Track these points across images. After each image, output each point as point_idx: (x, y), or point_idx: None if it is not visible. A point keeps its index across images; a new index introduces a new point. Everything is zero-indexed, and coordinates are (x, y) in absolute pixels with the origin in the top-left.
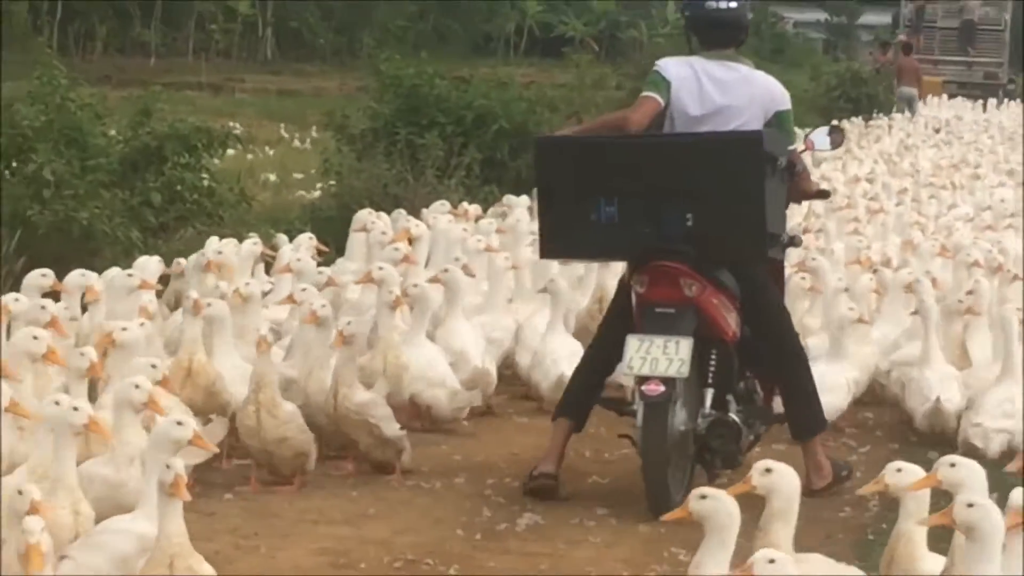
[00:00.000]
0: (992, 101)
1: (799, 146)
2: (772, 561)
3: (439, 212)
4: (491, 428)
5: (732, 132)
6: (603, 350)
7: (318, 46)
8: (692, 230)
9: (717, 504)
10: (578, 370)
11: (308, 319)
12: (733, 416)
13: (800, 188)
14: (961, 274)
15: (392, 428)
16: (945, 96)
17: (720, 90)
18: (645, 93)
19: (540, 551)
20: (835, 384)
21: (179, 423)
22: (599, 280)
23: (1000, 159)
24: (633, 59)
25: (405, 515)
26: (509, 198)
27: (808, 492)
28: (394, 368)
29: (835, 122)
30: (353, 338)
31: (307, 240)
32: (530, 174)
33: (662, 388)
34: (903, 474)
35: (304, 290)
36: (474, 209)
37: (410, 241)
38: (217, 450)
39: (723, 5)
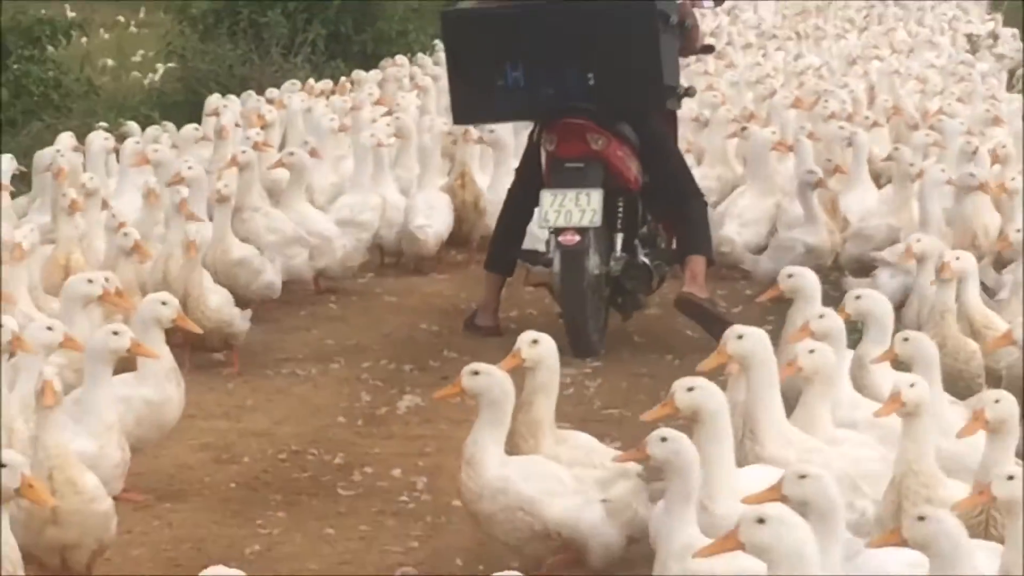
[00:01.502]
0: None
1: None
2: (664, 439)
3: (290, 92)
4: (360, 309)
5: None
6: (518, 202)
7: None
8: (594, 88)
9: (491, 380)
10: (499, 224)
11: (183, 212)
12: (643, 258)
13: (689, 44)
14: (821, 127)
15: (241, 324)
16: None
17: None
18: None
19: (423, 433)
20: (785, 246)
21: (116, 332)
22: (460, 156)
23: (840, 5)
24: None
25: (284, 405)
26: (358, 73)
27: (678, 298)
28: (223, 265)
29: None
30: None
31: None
32: (375, 47)
33: (578, 237)
34: (744, 340)
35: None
36: (323, 86)
37: (263, 125)
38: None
39: None
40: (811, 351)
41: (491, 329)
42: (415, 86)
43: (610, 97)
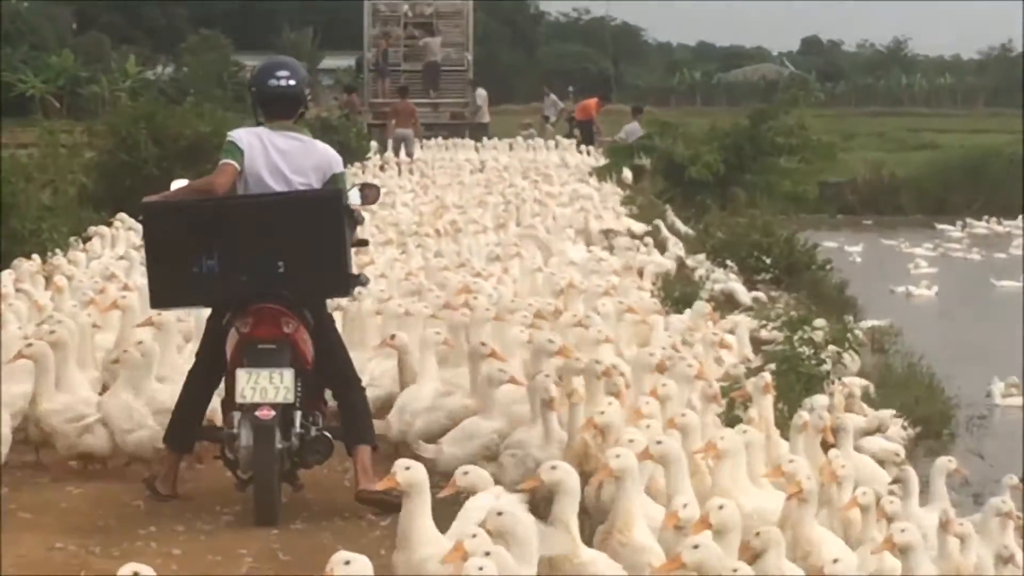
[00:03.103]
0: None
1: (354, 202)
2: (348, 563)
3: None
4: None
5: (317, 190)
6: (200, 382)
7: None
8: (284, 276)
9: None
10: (180, 403)
11: None
12: (325, 432)
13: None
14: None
15: None
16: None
17: (284, 159)
18: (224, 160)
19: None
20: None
21: None
22: None
23: (478, 201)
24: (101, 115)
25: None
26: None
27: (357, 494)
28: None
29: (371, 179)
30: None
31: None
32: (7, 246)
33: (273, 412)
34: (557, 471)
35: None
36: None
37: None
38: None
39: (283, 83)
40: None
41: (172, 498)
42: (51, 286)
43: (298, 284)
